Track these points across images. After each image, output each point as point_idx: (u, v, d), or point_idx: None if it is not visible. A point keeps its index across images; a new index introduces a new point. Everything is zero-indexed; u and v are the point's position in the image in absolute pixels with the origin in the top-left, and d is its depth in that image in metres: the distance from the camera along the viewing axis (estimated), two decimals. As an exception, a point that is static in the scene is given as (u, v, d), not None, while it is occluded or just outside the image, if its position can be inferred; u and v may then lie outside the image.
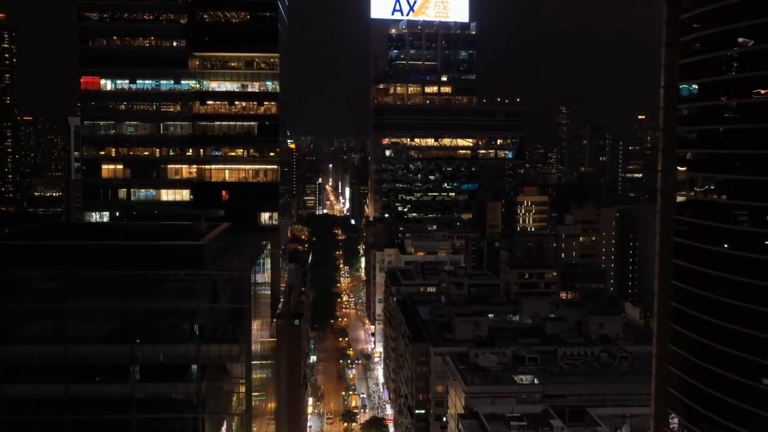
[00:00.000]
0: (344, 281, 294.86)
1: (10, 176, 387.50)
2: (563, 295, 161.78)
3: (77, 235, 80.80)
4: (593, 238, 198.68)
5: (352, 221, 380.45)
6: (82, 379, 65.09)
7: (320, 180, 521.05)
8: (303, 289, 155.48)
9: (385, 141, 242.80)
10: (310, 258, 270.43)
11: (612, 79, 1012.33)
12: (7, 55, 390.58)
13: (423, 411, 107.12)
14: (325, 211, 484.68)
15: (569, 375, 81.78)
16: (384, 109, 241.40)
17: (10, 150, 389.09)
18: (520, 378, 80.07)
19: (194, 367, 66.37)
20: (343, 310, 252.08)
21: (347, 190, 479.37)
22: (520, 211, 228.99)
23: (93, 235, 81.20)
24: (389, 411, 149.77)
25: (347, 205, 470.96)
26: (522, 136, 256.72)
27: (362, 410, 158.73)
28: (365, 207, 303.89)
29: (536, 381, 79.80)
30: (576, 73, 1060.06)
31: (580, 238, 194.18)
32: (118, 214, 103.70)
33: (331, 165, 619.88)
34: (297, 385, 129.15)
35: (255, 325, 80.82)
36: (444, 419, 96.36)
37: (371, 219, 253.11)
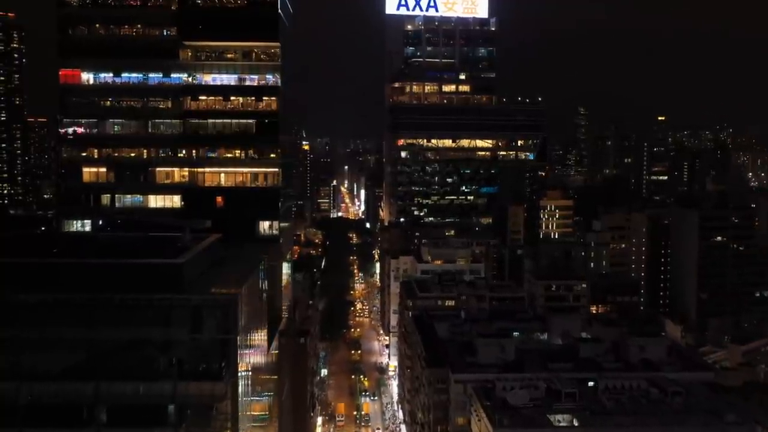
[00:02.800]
0: (358, 287, 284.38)
1: (20, 178, 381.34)
2: (594, 309, 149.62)
3: (43, 249, 70.14)
4: (623, 246, 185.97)
5: (367, 225, 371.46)
6: (39, 422, 55.69)
7: (335, 182, 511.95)
8: (311, 302, 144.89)
9: (401, 142, 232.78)
10: (323, 263, 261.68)
11: (628, 79, 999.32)
12: (16, 55, 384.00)
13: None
14: (339, 214, 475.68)
15: (613, 414, 69.87)
16: (399, 108, 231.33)
17: (19, 152, 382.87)
18: (556, 419, 68.38)
19: (171, 408, 56.65)
20: (357, 319, 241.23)
21: (362, 193, 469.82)
22: (543, 216, 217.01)
23: (64, 248, 71.08)
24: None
25: (362, 207, 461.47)
26: (544, 137, 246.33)
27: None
28: (380, 210, 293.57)
29: (575, 422, 68.05)
30: (590, 73, 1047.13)
31: (611, 245, 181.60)
32: (101, 222, 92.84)
33: (346, 167, 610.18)
34: (303, 409, 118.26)
35: (248, 353, 70.30)
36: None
37: (386, 223, 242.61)
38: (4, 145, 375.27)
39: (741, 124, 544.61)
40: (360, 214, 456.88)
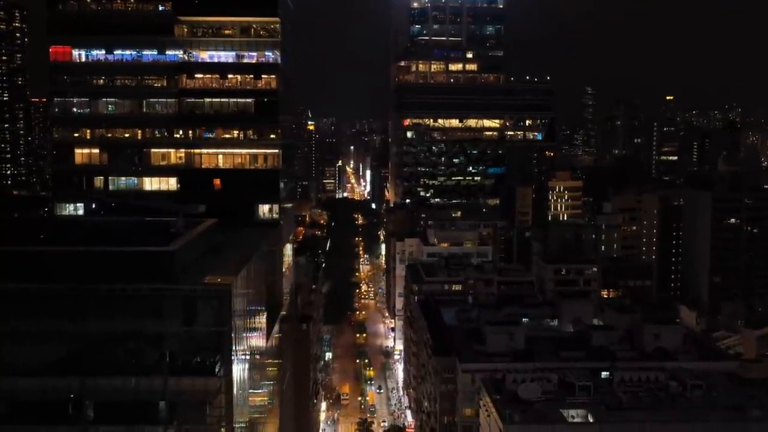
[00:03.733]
0: (364, 269, 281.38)
1: (23, 159, 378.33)
2: (605, 293, 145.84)
3: (29, 234, 66.68)
4: (634, 228, 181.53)
5: (373, 205, 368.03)
6: (21, 420, 53.04)
7: (340, 162, 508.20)
8: (314, 286, 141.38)
9: (407, 122, 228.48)
10: (328, 245, 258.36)
11: (635, 60, 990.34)
12: (18, 35, 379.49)
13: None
14: (345, 194, 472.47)
15: (630, 409, 66.27)
16: (405, 88, 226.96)
17: (22, 132, 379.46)
18: (569, 414, 64.87)
19: (162, 404, 53.90)
20: (362, 301, 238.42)
21: (368, 173, 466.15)
22: (552, 198, 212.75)
23: (50, 234, 67.59)
24: (410, 419, 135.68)
25: (368, 188, 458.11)
26: (552, 117, 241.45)
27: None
28: (386, 191, 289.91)
29: (590, 418, 64.56)
30: (597, 54, 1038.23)
31: (622, 228, 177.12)
32: (93, 206, 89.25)
33: (352, 147, 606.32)
34: (305, 396, 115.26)
35: (247, 342, 67.08)
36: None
37: (392, 204, 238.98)
38: (6, 125, 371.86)
39: (748, 105, 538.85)
40: (366, 195, 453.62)
